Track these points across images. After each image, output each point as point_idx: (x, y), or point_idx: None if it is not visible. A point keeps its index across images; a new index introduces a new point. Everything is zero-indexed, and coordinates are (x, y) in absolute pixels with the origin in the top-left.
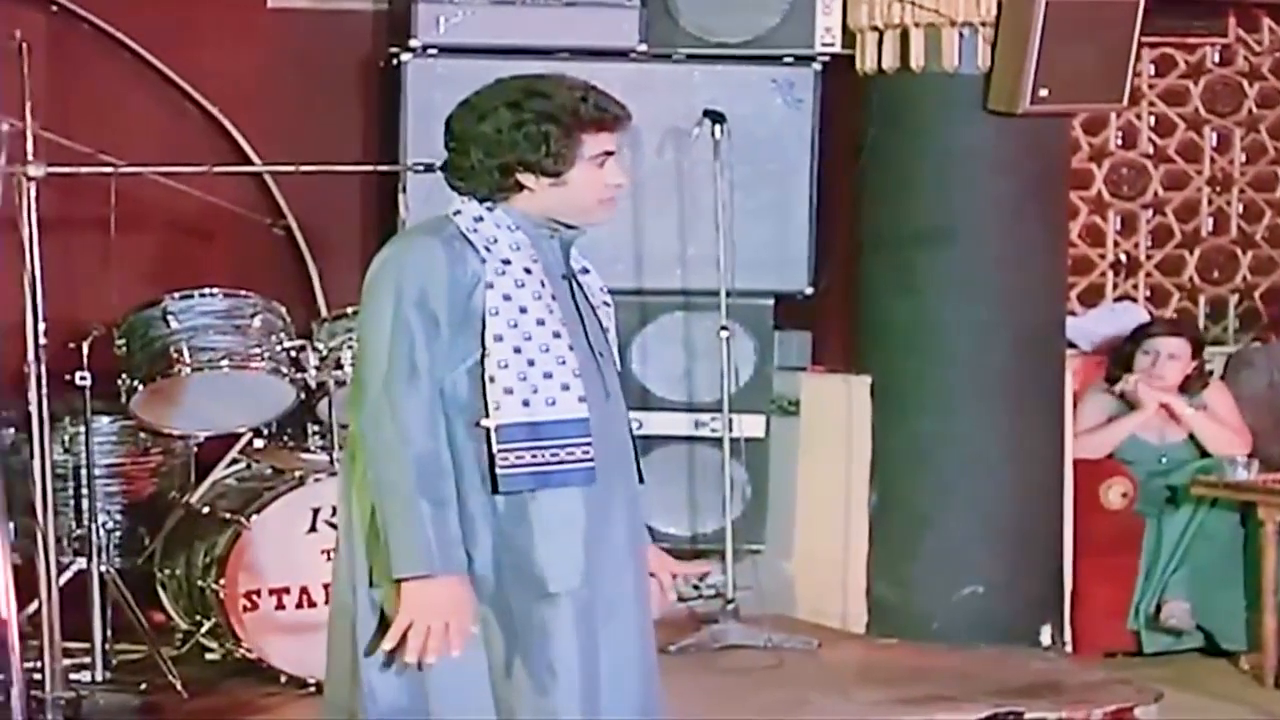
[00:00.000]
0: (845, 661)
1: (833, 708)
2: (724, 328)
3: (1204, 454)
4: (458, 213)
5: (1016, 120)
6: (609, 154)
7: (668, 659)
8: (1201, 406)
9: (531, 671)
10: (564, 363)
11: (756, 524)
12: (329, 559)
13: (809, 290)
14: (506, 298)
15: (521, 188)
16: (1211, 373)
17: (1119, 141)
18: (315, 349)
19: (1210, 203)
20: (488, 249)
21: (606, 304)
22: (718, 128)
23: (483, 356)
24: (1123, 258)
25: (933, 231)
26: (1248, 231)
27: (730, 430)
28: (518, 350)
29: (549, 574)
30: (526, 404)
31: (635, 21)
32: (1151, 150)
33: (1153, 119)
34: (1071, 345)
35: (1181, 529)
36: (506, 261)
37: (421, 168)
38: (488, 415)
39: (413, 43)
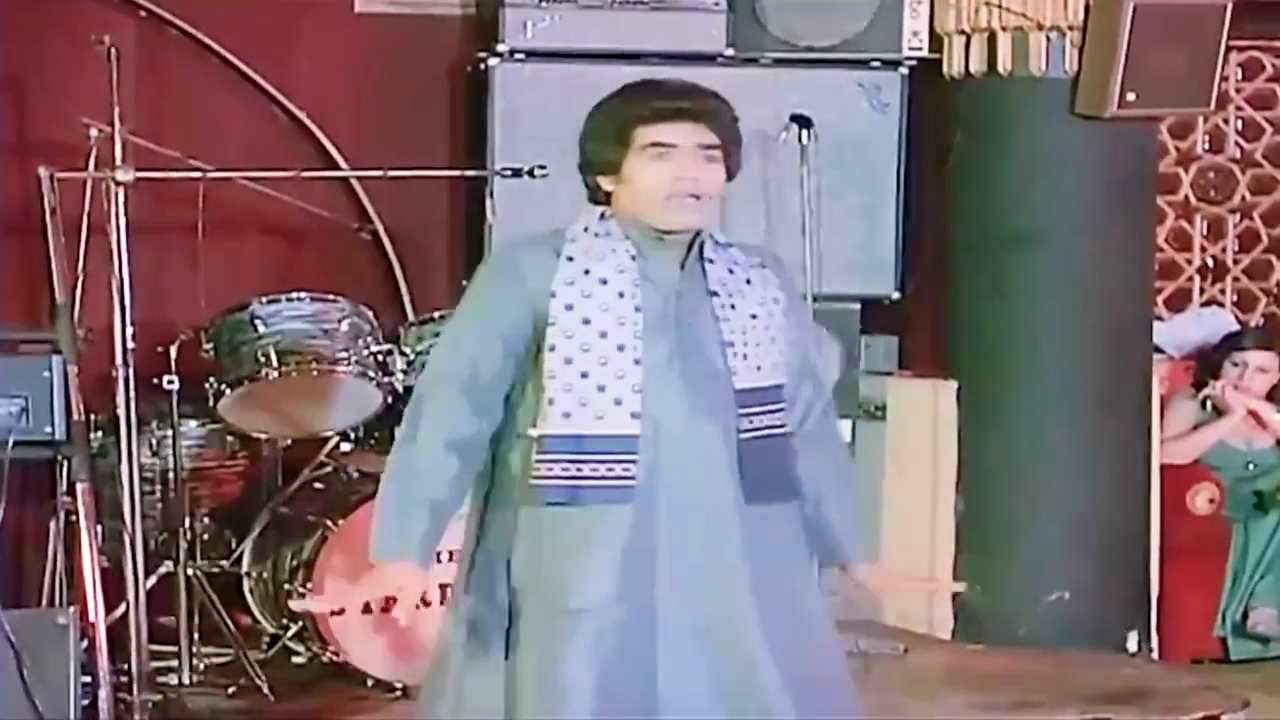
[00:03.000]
0: (932, 667)
1: (921, 711)
2: None
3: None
4: (575, 223)
5: (1103, 124)
6: (669, 146)
7: None
8: None
9: (543, 692)
10: (623, 377)
11: None
12: None
13: (896, 295)
14: (568, 308)
15: (602, 190)
16: None
17: (1206, 146)
18: (402, 353)
19: None
20: (570, 258)
21: (754, 316)
22: (804, 132)
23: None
24: (1209, 262)
25: (1019, 236)
26: None
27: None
28: (569, 361)
29: (569, 590)
30: (568, 415)
31: (722, 26)
32: (1238, 154)
33: (1240, 123)
34: (1158, 350)
35: (1269, 535)
36: (586, 271)
37: (510, 173)
38: (535, 426)
39: (500, 47)
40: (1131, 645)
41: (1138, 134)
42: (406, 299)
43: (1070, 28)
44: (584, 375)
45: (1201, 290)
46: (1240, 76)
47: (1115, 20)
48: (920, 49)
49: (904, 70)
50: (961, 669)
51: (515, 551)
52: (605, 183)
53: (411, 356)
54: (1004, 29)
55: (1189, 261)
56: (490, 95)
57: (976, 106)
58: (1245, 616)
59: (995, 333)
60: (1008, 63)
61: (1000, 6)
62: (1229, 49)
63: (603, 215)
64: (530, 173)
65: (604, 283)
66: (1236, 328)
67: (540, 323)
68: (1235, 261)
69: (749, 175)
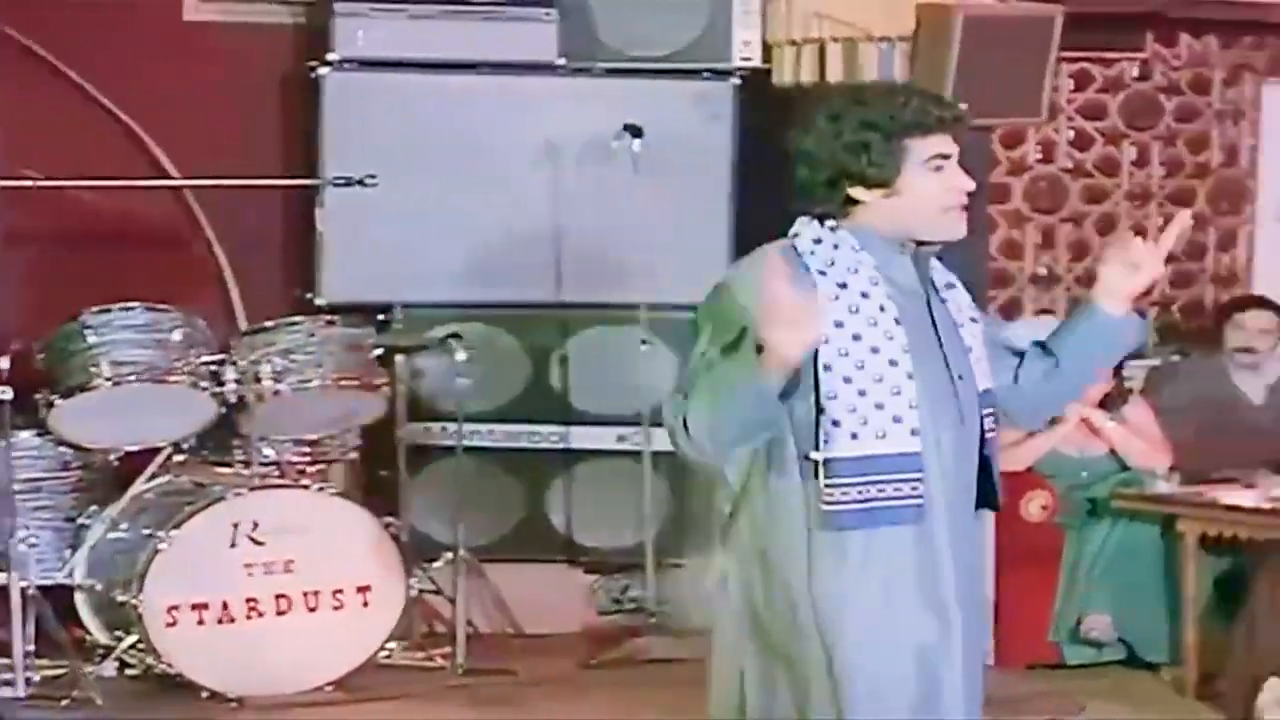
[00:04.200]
0: None
1: None
2: (645, 341)
3: (1124, 467)
4: (797, 235)
5: None
6: (944, 157)
7: (589, 674)
8: (1122, 420)
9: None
10: (899, 393)
11: (678, 538)
12: (250, 573)
13: None
14: (838, 324)
15: (853, 202)
16: (1131, 387)
17: (1038, 155)
18: (234, 363)
19: (1129, 216)
20: (822, 272)
21: (974, 320)
22: (636, 141)
23: (816, 386)
24: (1042, 271)
25: None
26: None
27: (651, 444)
28: (848, 380)
29: (878, 614)
30: (855, 437)
31: (554, 35)
32: (1070, 164)
33: (1071, 133)
34: None
35: (1102, 542)
36: (843, 285)
37: (341, 182)
38: (818, 448)
39: (330, 56)
40: None
41: (970, 143)
42: (239, 309)
43: (900, 38)
44: (862, 393)
45: (1034, 299)
46: (1072, 87)
47: (946, 31)
48: (751, 59)
49: (735, 80)
50: None
51: (814, 574)
52: (862, 194)
53: (244, 366)
54: (834, 39)
55: (1021, 270)
56: (321, 104)
57: (807, 116)
58: (1080, 622)
59: None
60: (838, 73)
61: (830, 17)
62: (1060, 60)
63: (833, 227)
64: (361, 182)
65: (865, 296)
66: None
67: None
68: (1068, 270)
69: (582, 184)
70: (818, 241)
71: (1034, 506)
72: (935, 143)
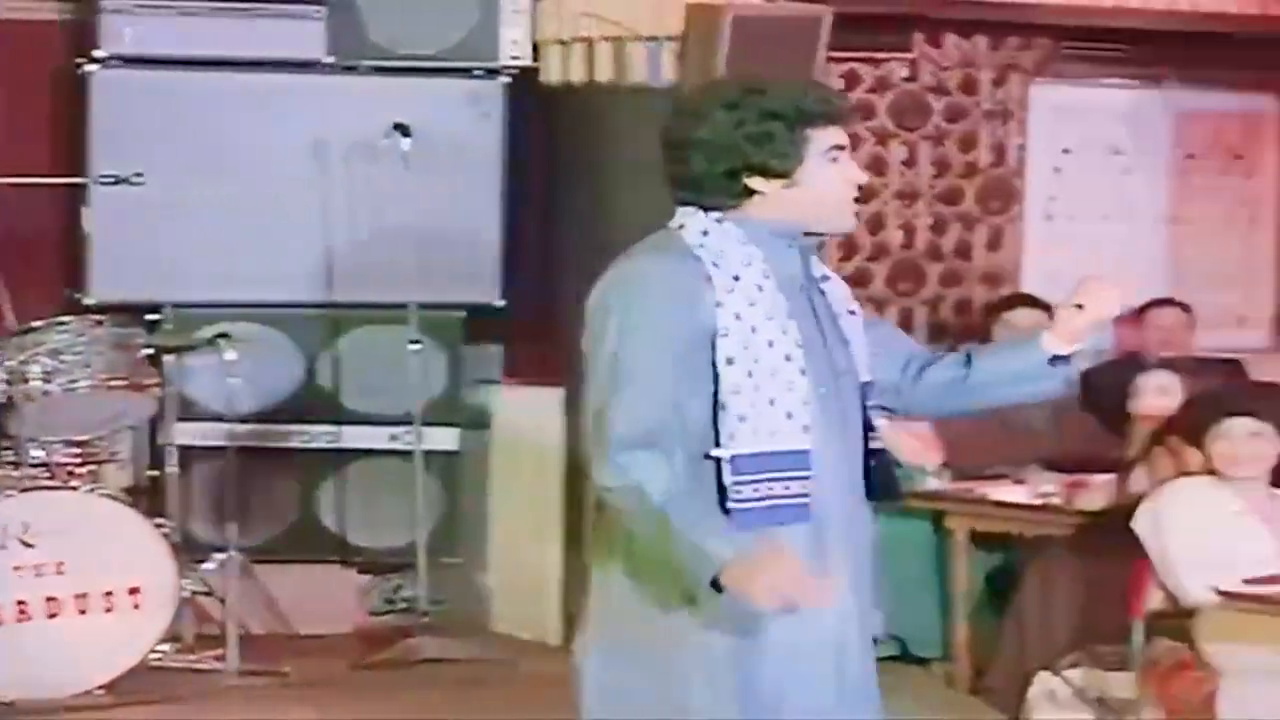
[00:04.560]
0: (542, 675)
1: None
2: (415, 341)
3: (897, 463)
4: (682, 226)
5: None
6: (840, 148)
7: (361, 675)
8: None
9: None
10: (792, 389)
11: (451, 537)
12: (19, 576)
13: (500, 303)
14: (737, 317)
15: (752, 193)
16: None
17: None
18: (2, 364)
19: (898, 216)
20: (715, 264)
21: (853, 313)
22: (405, 140)
23: (715, 381)
24: None
25: (623, 243)
26: (936, 244)
27: (422, 443)
28: (749, 374)
29: (768, 620)
30: (756, 432)
31: (322, 32)
32: None
33: None
34: None
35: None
36: (736, 278)
37: (111, 180)
38: (719, 445)
39: (97, 53)
40: None
41: None
42: (7, 309)
43: (669, 38)
44: (757, 389)
45: None
46: (841, 88)
47: (714, 31)
48: (520, 58)
49: (505, 79)
50: (570, 677)
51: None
52: (761, 185)
53: (13, 367)
54: (603, 39)
55: None
56: (88, 102)
57: (578, 115)
58: None
59: None
60: (607, 72)
61: (598, 17)
62: (829, 60)
63: (719, 219)
64: (128, 180)
65: (760, 289)
66: None
67: (707, 335)
68: (838, 269)
69: (351, 184)
70: (705, 233)
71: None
72: (833, 134)
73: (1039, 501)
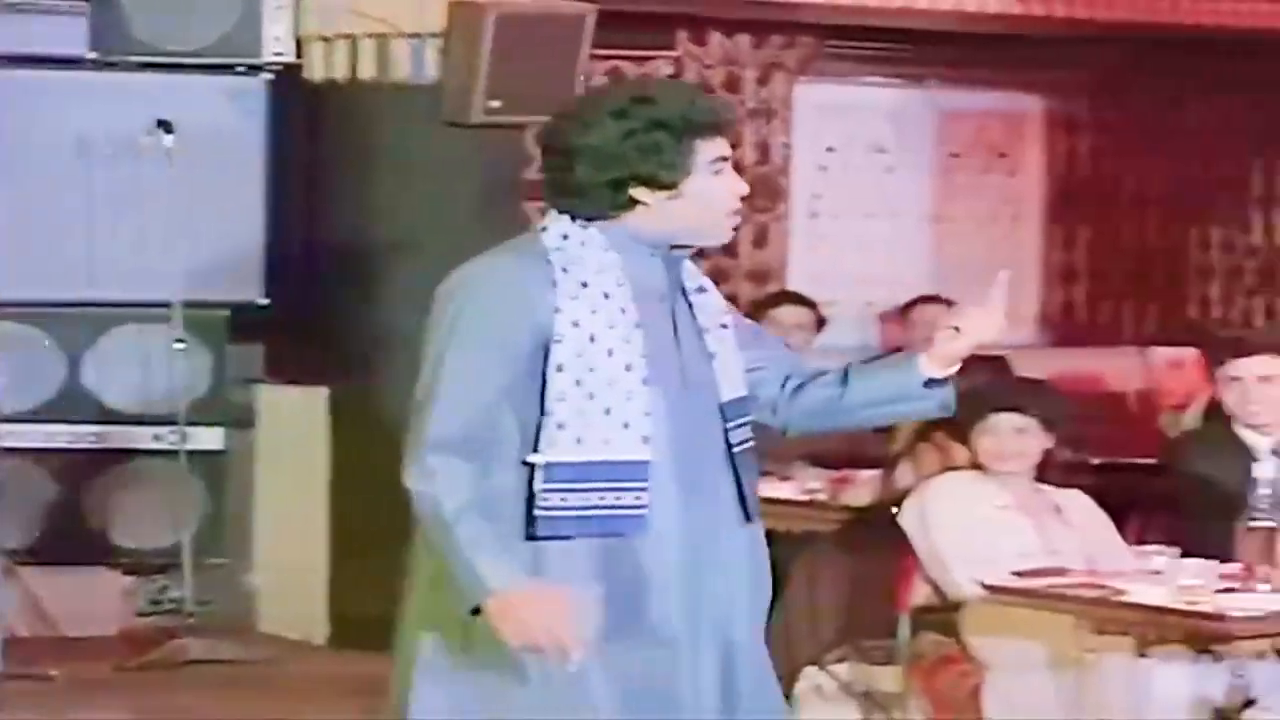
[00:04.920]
0: (308, 675)
1: None
2: (179, 340)
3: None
4: (544, 229)
5: (470, 131)
6: (724, 159)
7: (127, 677)
8: None
9: None
10: (631, 399)
11: (217, 537)
12: None
13: (264, 301)
14: (575, 324)
15: (635, 204)
16: None
17: None
18: None
19: None
20: (565, 269)
21: (724, 325)
22: (168, 137)
23: (544, 386)
24: None
25: (389, 242)
26: None
27: (187, 443)
28: (579, 383)
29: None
30: (580, 441)
31: (83, 28)
32: None
33: None
34: None
35: None
36: (584, 285)
37: None
38: (537, 450)
39: None
40: None
41: (504, 141)
42: None
43: (432, 35)
44: (591, 397)
45: None
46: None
47: (477, 28)
48: (284, 54)
49: (268, 75)
50: (336, 676)
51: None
52: (645, 195)
53: None
54: (366, 35)
55: None
56: None
57: (342, 113)
58: None
59: (365, 339)
60: (371, 69)
61: (361, 14)
62: (592, 58)
63: (584, 225)
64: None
65: (607, 297)
66: None
67: (544, 340)
68: None
69: (114, 181)
70: (565, 237)
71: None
72: (719, 145)
73: (805, 497)
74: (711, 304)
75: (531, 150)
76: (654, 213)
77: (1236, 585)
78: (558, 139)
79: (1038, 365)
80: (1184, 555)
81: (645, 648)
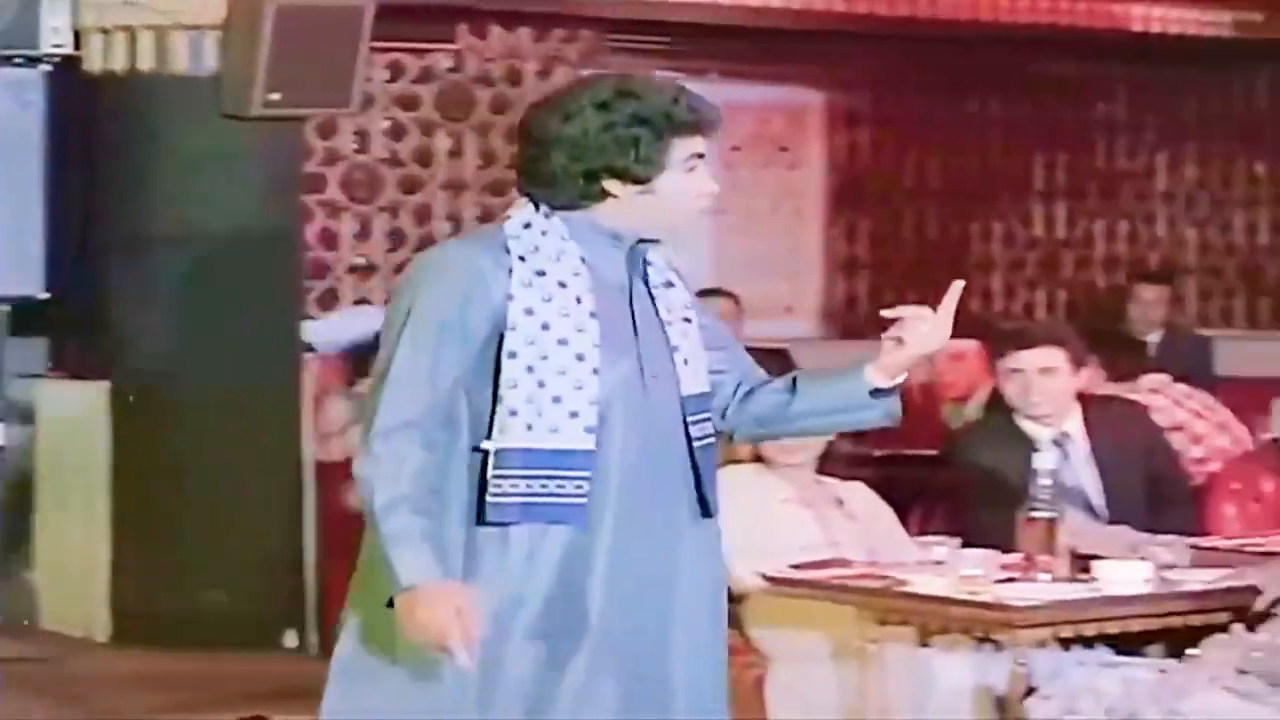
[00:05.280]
0: (89, 672)
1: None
2: None
3: None
4: (509, 218)
5: (250, 123)
6: (699, 157)
7: None
8: None
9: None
10: (581, 388)
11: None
12: None
13: (44, 295)
14: (528, 312)
15: (606, 195)
16: None
17: (354, 145)
18: None
19: (445, 206)
20: (522, 258)
21: (688, 320)
22: None
23: (496, 373)
24: (359, 261)
25: (170, 234)
26: None
27: None
28: (530, 369)
29: (510, 614)
30: (530, 428)
31: None
32: (386, 154)
33: (387, 123)
34: (311, 349)
35: None
36: (540, 273)
37: None
38: (490, 438)
39: None
40: (290, 642)
41: (285, 133)
42: None
43: (212, 26)
44: (541, 385)
45: (352, 289)
46: (386, 78)
47: (257, 20)
48: (63, 46)
49: (46, 67)
50: (119, 673)
51: (472, 574)
52: (617, 188)
53: None
54: (145, 27)
55: (339, 260)
56: None
57: (122, 104)
58: None
59: (147, 332)
60: (150, 60)
61: (140, 5)
62: (373, 50)
63: (547, 214)
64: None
65: (562, 286)
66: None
67: (499, 327)
68: (385, 260)
69: None
70: (527, 225)
71: (355, 495)
72: (695, 143)
73: None
74: (676, 298)
75: (311, 142)
76: (623, 206)
77: (1017, 575)
78: (538, 128)
79: (820, 357)
80: (966, 546)
81: (576, 639)
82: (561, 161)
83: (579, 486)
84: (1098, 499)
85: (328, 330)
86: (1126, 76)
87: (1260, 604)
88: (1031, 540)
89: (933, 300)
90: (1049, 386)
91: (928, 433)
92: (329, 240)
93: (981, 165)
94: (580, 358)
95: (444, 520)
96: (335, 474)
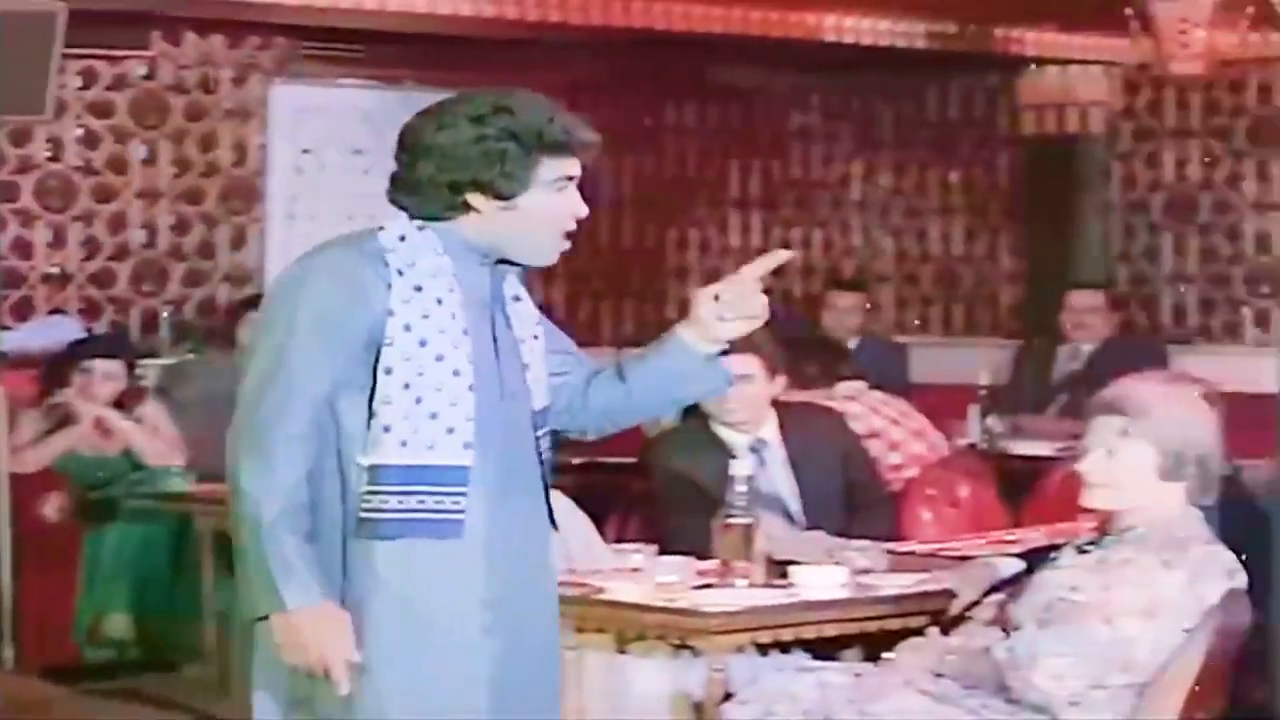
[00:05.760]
0: None
1: None
2: None
3: (140, 466)
4: (382, 229)
5: None
6: (570, 179)
7: None
8: (137, 419)
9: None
10: (456, 404)
11: None
12: None
13: None
14: (406, 328)
15: (469, 209)
16: (146, 386)
17: (47, 153)
18: None
19: (141, 214)
20: (400, 272)
21: (536, 337)
22: None
23: (373, 389)
24: (54, 270)
25: None
26: (178, 244)
27: None
28: (407, 386)
29: (412, 628)
30: (405, 444)
31: None
32: (80, 162)
33: (80, 131)
34: (2, 358)
35: (119, 542)
36: (418, 288)
37: None
38: (364, 453)
39: None
40: None
41: None
42: None
43: None
44: (418, 401)
45: (47, 298)
46: (80, 85)
47: None
48: None
49: None
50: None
51: (345, 589)
52: (481, 202)
53: None
54: None
55: (33, 269)
56: None
57: None
58: (99, 623)
59: None
60: None
61: None
62: (66, 57)
63: (420, 226)
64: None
65: (439, 302)
66: (83, 335)
67: (376, 341)
68: (80, 269)
69: None
70: (402, 238)
71: (50, 507)
72: (566, 165)
73: None
74: (526, 313)
75: (4, 149)
76: (485, 221)
77: (714, 581)
78: (411, 136)
79: None
80: (662, 553)
81: (454, 652)
82: (429, 171)
83: (456, 502)
84: (794, 505)
85: (22, 339)
86: (821, 86)
87: (955, 608)
88: (728, 546)
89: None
90: (744, 393)
91: (624, 440)
92: (23, 249)
93: (678, 174)
94: (456, 374)
95: (320, 536)
96: (30, 486)
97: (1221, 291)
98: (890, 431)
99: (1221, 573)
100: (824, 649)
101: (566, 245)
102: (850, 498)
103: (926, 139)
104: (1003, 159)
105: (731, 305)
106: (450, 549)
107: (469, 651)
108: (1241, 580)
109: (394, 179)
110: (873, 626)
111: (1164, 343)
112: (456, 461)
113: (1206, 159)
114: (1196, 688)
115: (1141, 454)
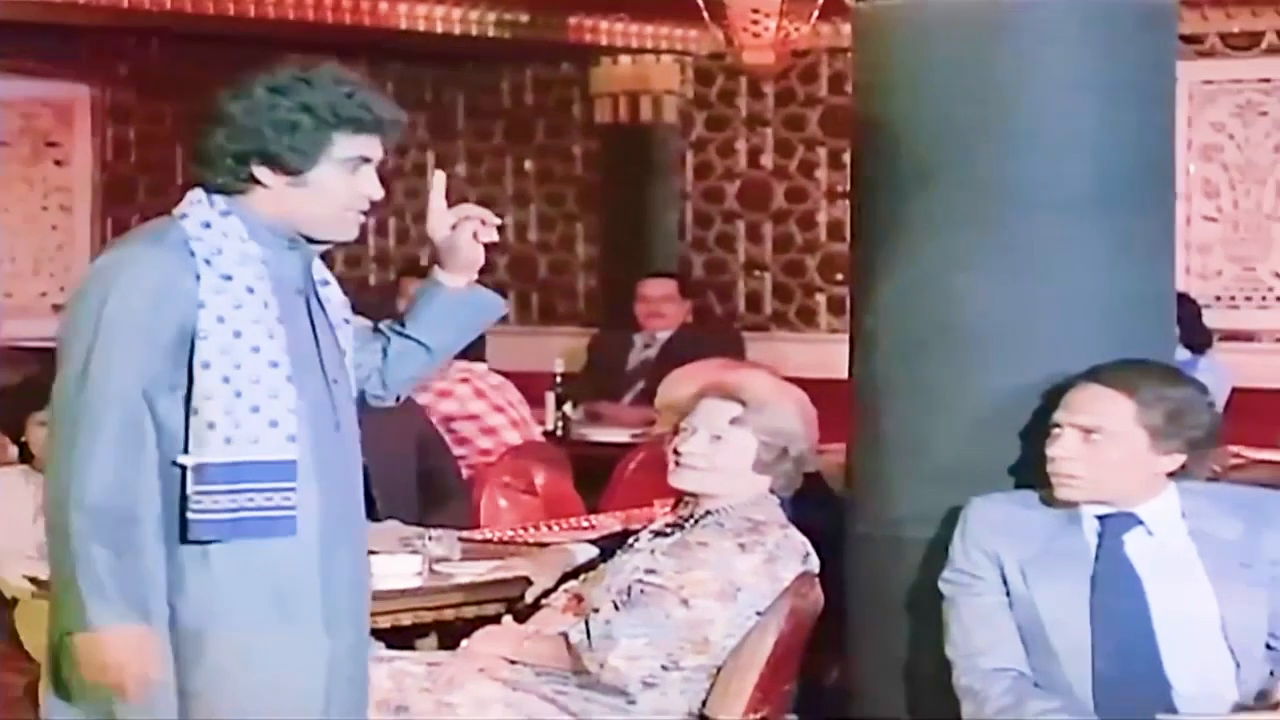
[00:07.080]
0: None
1: None
2: None
3: None
4: (184, 216)
5: None
6: (366, 160)
7: None
8: None
9: None
10: (277, 397)
11: None
12: None
13: None
14: (220, 320)
15: (257, 184)
16: None
17: None
18: None
19: None
20: (208, 261)
21: (347, 321)
22: None
23: (190, 385)
24: None
25: None
26: None
27: None
28: (226, 380)
29: (238, 628)
30: (229, 441)
31: None
32: None
33: None
34: None
35: None
36: (228, 277)
37: None
38: (187, 452)
39: None
40: None
41: None
42: None
43: None
44: (238, 395)
45: None
46: None
47: None
48: None
49: None
50: None
51: (176, 593)
52: (267, 176)
53: None
54: None
55: None
56: None
57: None
58: None
59: None
60: None
61: None
62: None
63: (226, 211)
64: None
65: (251, 291)
66: None
67: (188, 334)
68: None
69: None
70: (207, 226)
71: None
72: (363, 143)
73: None
74: (335, 298)
75: None
76: (274, 196)
77: None
78: (212, 105)
79: None
80: None
81: (288, 648)
82: (219, 140)
83: (286, 498)
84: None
85: None
86: (395, 74)
87: (530, 595)
88: None
89: None
90: None
91: None
92: None
93: None
94: (274, 364)
95: (139, 544)
96: None
97: (796, 279)
98: (489, 416)
99: (796, 556)
100: (399, 638)
101: (360, 221)
102: (425, 485)
103: (502, 128)
104: (578, 148)
105: (461, 229)
106: (285, 546)
107: (312, 649)
108: (814, 564)
109: (192, 152)
110: (448, 615)
111: (739, 330)
112: (283, 456)
113: (779, 148)
114: (768, 669)
115: (747, 444)
